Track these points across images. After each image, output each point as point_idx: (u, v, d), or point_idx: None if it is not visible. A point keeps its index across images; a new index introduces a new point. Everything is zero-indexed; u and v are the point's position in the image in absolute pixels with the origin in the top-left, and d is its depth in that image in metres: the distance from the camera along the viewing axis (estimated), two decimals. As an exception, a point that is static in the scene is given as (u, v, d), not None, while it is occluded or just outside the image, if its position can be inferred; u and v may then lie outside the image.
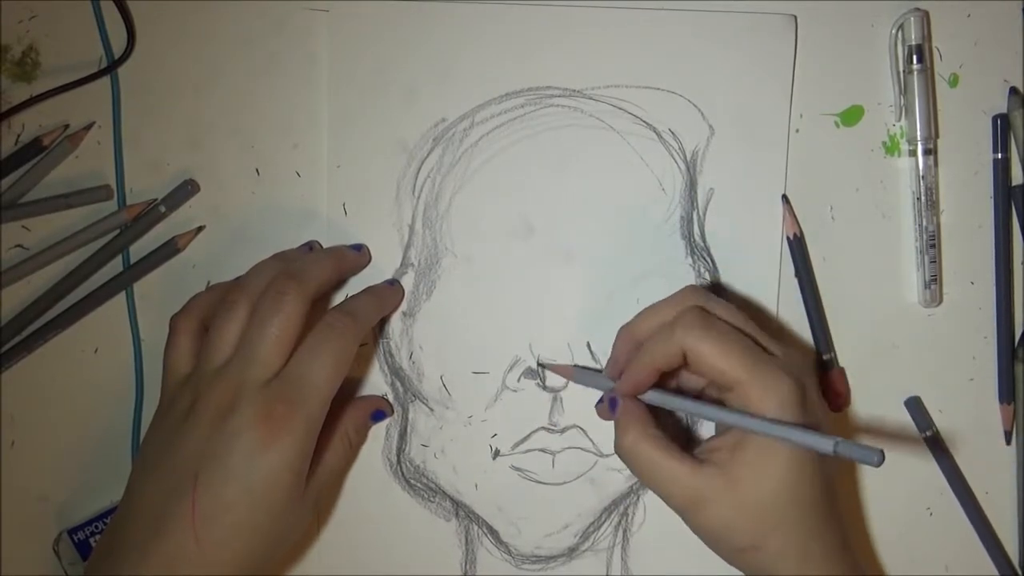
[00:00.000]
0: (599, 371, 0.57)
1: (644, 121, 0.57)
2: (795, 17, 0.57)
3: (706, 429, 0.58)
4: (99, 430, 0.58)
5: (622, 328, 0.54)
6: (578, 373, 0.56)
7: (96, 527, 0.57)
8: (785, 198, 0.57)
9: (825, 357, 0.58)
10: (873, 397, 0.58)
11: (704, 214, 0.58)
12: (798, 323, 0.58)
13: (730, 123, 0.57)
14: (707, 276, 0.58)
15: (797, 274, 0.58)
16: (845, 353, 0.58)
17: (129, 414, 0.58)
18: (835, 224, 0.58)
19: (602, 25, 0.57)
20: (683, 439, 0.58)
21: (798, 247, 0.57)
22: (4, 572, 0.58)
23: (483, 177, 0.57)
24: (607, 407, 0.53)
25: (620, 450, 0.51)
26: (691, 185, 0.57)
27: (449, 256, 0.58)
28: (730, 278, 0.58)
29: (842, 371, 0.58)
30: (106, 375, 0.58)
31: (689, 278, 0.58)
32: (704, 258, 0.58)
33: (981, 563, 0.59)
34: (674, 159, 0.57)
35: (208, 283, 0.58)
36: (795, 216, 0.57)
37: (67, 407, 0.58)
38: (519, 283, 0.58)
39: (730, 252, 0.58)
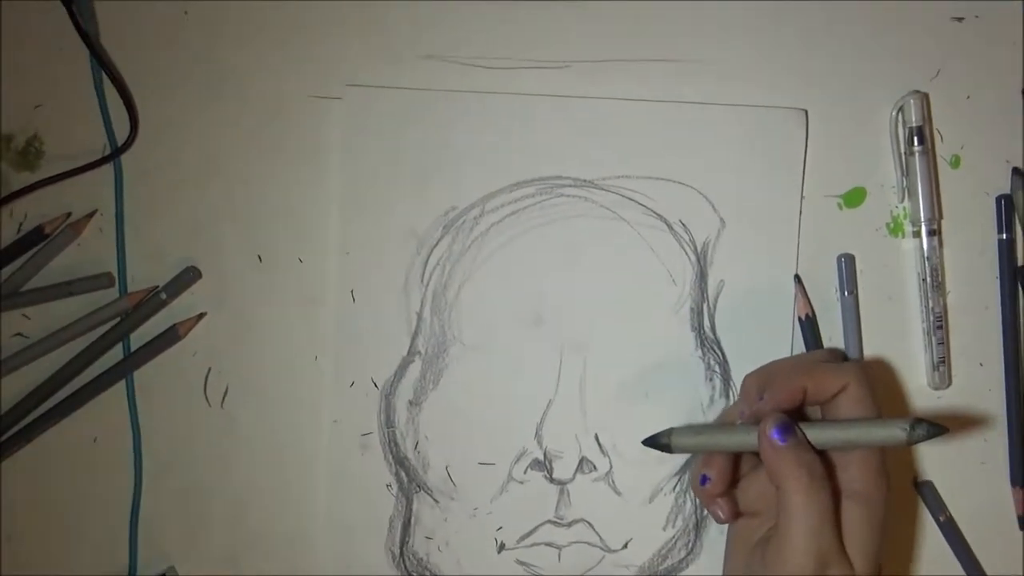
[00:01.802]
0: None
1: (655, 212, 0.57)
2: (806, 112, 0.57)
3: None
4: (96, 519, 0.58)
5: (750, 374, 0.54)
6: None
7: (93, 621, 0.56)
8: (798, 278, 0.57)
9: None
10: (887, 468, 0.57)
11: (715, 306, 0.57)
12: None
13: (741, 215, 0.57)
14: (717, 368, 0.57)
15: (807, 357, 0.57)
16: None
17: (127, 503, 0.57)
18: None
19: (614, 117, 0.57)
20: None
21: (810, 328, 0.57)
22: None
23: (493, 266, 0.57)
24: (700, 481, 0.52)
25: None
26: (701, 277, 0.57)
27: (457, 345, 0.57)
28: (740, 369, 0.57)
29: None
30: (105, 464, 0.58)
31: (699, 370, 0.57)
32: (714, 350, 0.57)
33: (998, 651, 0.58)
34: (684, 250, 0.57)
35: (209, 371, 0.57)
36: (807, 297, 0.57)
37: (65, 496, 0.58)
38: (527, 373, 0.57)
39: (740, 343, 0.57)
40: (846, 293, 0.57)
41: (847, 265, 0.57)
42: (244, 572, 0.58)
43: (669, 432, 0.53)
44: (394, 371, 0.58)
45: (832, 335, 0.58)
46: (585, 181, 0.57)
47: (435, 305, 0.57)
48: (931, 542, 0.58)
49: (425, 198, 0.57)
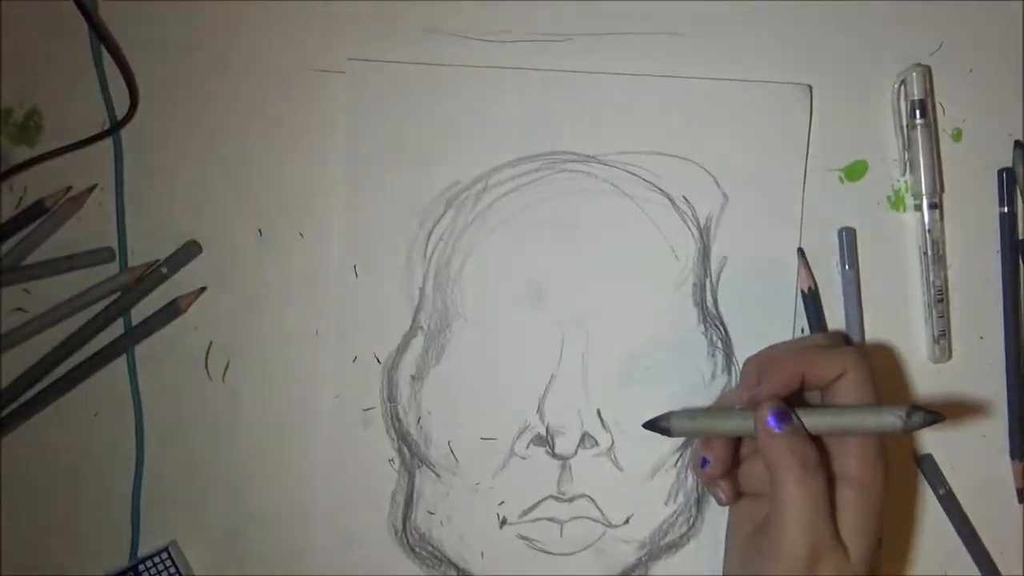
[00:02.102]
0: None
1: (658, 188, 0.57)
2: (810, 87, 0.57)
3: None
4: (99, 494, 0.58)
5: (749, 358, 0.54)
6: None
7: (95, 595, 0.56)
8: (801, 251, 0.57)
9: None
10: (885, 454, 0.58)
11: (717, 281, 0.57)
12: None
13: (744, 191, 0.57)
14: (719, 344, 0.57)
15: (811, 328, 0.57)
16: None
17: (129, 478, 0.58)
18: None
19: (618, 92, 0.57)
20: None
21: (812, 301, 0.57)
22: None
23: (495, 241, 0.57)
24: (700, 464, 0.53)
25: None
26: (704, 252, 0.57)
27: (460, 320, 0.57)
28: (742, 344, 0.57)
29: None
30: (106, 438, 0.58)
31: (701, 345, 0.57)
32: (716, 326, 0.57)
33: (997, 623, 0.58)
34: (687, 226, 0.57)
35: (210, 345, 0.57)
36: (810, 270, 0.57)
37: (67, 471, 0.58)
38: (529, 348, 0.57)
39: (742, 319, 0.57)
40: (847, 267, 0.57)
41: (848, 238, 0.57)
42: (246, 544, 0.58)
43: (668, 416, 0.53)
44: (396, 346, 0.58)
45: (833, 308, 0.58)
46: (588, 156, 0.57)
47: (438, 280, 0.57)
48: (930, 515, 0.58)
49: (428, 173, 0.57)
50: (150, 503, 0.58)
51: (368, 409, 0.57)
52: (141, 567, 0.56)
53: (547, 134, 0.57)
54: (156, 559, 0.57)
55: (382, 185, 0.57)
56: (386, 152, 0.57)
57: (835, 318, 0.58)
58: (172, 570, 0.56)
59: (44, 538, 0.58)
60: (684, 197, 0.57)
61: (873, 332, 0.58)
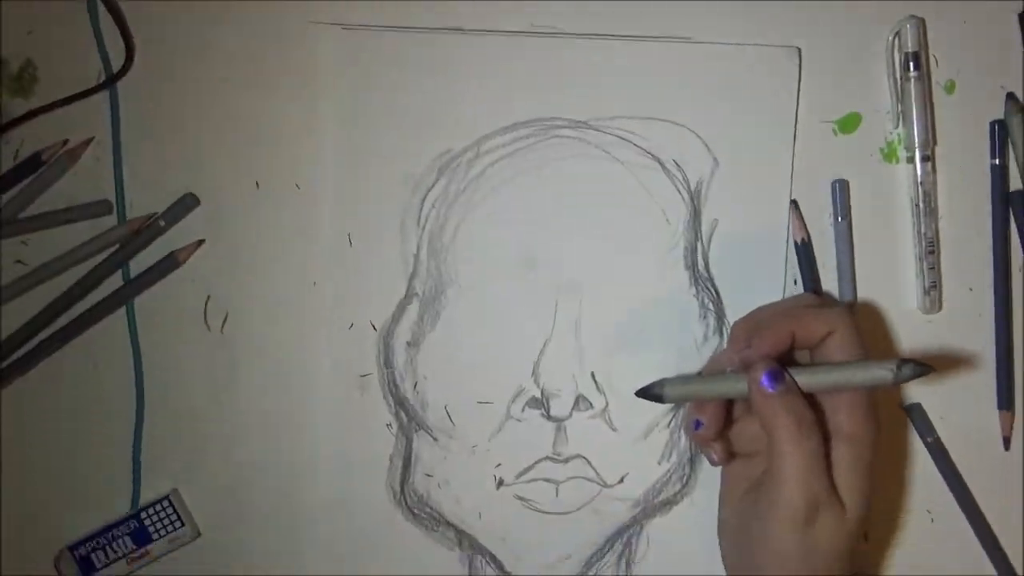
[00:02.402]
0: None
1: (649, 152, 0.57)
2: (799, 49, 0.57)
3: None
4: (99, 445, 0.58)
5: (738, 321, 0.54)
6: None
7: (97, 542, 0.57)
8: (794, 203, 0.57)
9: (826, 364, 0.58)
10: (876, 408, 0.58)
11: (708, 245, 0.58)
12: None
13: (734, 154, 0.57)
14: (711, 306, 0.58)
15: (803, 280, 0.58)
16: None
17: (130, 429, 0.58)
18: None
19: (608, 57, 0.57)
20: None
21: (805, 253, 0.58)
22: (5, 588, 0.58)
23: (488, 207, 0.57)
24: (693, 426, 0.53)
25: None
26: (695, 216, 0.58)
27: (454, 286, 0.58)
28: (734, 306, 0.58)
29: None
30: (106, 390, 0.58)
31: (693, 308, 0.58)
32: (708, 288, 0.58)
33: (982, 567, 0.59)
34: (678, 190, 0.57)
35: (208, 297, 0.58)
36: (803, 221, 0.57)
37: (67, 422, 0.58)
38: (523, 313, 0.58)
39: (734, 281, 0.58)
40: (839, 219, 0.58)
41: (841, 191, 0.58)
42: (246, 494, 0.58)
43: (661, 383, 0.53)
44: (392, 313, 0.58)
45: (826, 261, 0.58)
46: (579, 122, 0.57)
47: (431, 247, 0.58)
48: (919, 463, 0.59)
49: (420, 140, 0.57)
50: (151, 453, 0.58)
51: (365, 375, 0.58)
52: (143, 515, 0.57)
53: (538, 100, 0.57)
54: (157, 507, 0.57)
55: (374, 153, 0.57)
56: (377, 119, 0.57)
57: (827, 271, 0.58)
58: (173, 517, 0.57)
59: (45, 488, 0.58)
60: (675, 161, 0.57)
61: (864, 284, 0.58)
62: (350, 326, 0.58)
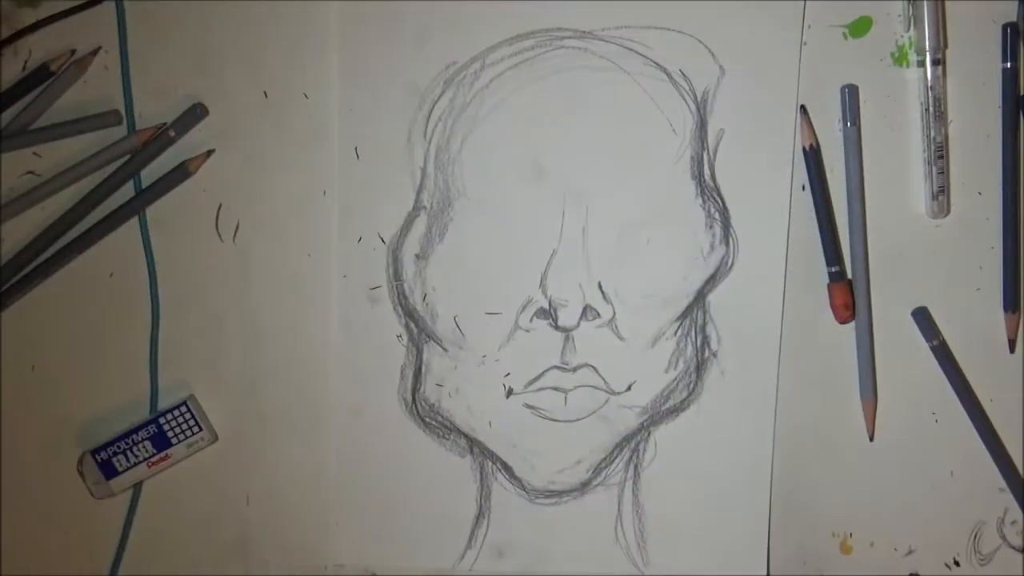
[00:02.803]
0: None
1: (655, 62, 0.57)
2: None
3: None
4: (117, 352, 0.59)
5: None
6: None
7: (118, 447, 0.58)
8: (803, 108, 0.57)
9: (833, 270, 0.58)
10: (880, 308, 0.59)
11: (715, 154, 0.58)
12: (806, 238, 0.58)
13: (741, 63, 0.57)
14: (717, 216, 0.58)
15: (811, 187, 0.58)
16: (852, 264, 0.59)
17: (146, 337, 0.59)
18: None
19: None
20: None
21: (813, 159, 0.57)
22: (29, 497, 0.60)
23: (494, 119, 0.57)
24: None
25: None
26: (701, 125, 0.57)
27: (461, 199, 0.58)
28: (740, 215, 0.58)
29: (848, 283, 0.59)
30: (121, 298, 0.59)
31: (699, 218, 0.58)
32: (714, 198, 0.58)
33: (986, 468, 0.60)
34: (685, 100, 0.57)
35: (220, 206, 0.58)
36: (812, 127, 0.57)
37: (84, 330, 0.59)
38: (531, 224, 0.58)
39: (740, 190, 0.58)
40: (849, 124, 0.57)
41: (851, 96, 0.57)
42: (262, 401, 0.60)
43: None
44: (400, 226, 0.58)
45: (834, 166, 0.58)
46: (584, 32, 0.57)
47: (439, 160, 0.58)
48: (924, 366, 0.59)
49: (425, 53, 0.57)
50: (167, 360, 0.59)
51: (375, 288, 0.59)
52: (161, 419, 0.58)
53: (543, 11, 0.57)
54: (175, 412, 0.58)
55: (380, 67, 0.57)
56: (382, 33, 0.57)
57: (835, 176, 0.58)
58: (192, 422, 0.58)
59: (66, 396, 0.60)
60: (681, 71, 0.57)
61: (872, 188, 0.58)
62: (359, 239, 0.58)
